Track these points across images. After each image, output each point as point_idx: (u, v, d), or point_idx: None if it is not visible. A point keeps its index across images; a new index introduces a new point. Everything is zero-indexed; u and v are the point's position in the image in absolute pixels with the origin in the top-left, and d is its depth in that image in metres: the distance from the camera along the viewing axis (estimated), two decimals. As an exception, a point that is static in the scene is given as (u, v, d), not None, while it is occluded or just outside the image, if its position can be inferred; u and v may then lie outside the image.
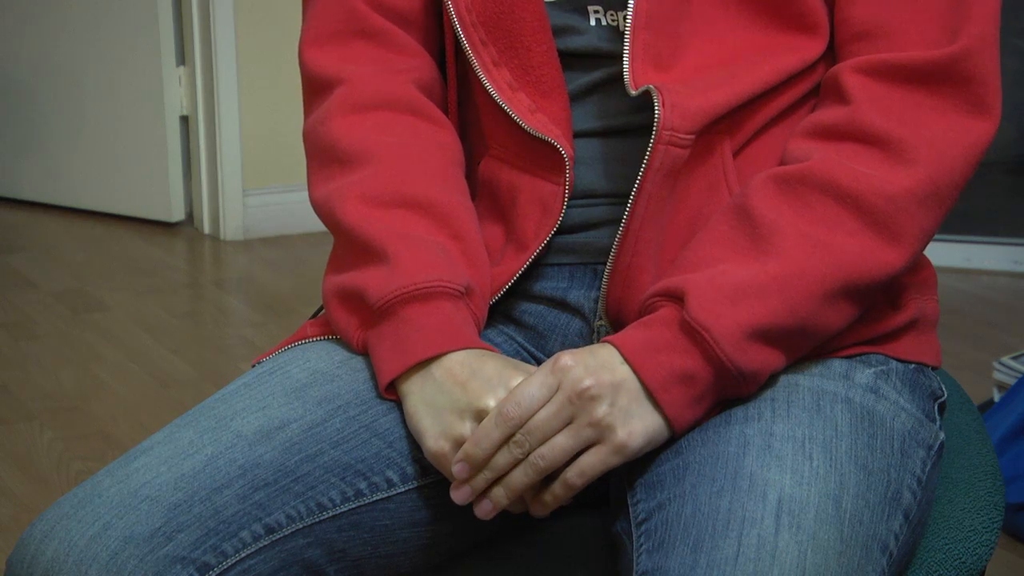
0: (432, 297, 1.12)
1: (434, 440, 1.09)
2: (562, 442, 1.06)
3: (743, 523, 0.99)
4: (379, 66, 1.23)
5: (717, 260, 1.10)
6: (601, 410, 1.06)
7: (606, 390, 1.06)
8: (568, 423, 1.06)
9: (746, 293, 1.07)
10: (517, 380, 1.08)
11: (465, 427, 1.08)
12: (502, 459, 1.07)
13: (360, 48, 1.24)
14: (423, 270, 1.13)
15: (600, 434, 1.07)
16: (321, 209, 1.20)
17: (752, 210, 1.11)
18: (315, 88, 1.25)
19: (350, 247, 1.17)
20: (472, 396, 1.08)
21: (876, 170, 1.11)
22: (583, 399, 1.06)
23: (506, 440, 1.06)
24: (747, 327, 1.07)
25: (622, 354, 1.07)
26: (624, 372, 1.07)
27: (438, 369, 1.10)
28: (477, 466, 1.07)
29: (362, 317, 1.15)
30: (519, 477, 1.07)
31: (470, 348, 1.11)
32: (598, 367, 1.07)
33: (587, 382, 1.06)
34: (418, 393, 1.11)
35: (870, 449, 1.08)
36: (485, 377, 1.09)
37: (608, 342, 1.09)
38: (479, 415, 1.08)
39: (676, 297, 1.09)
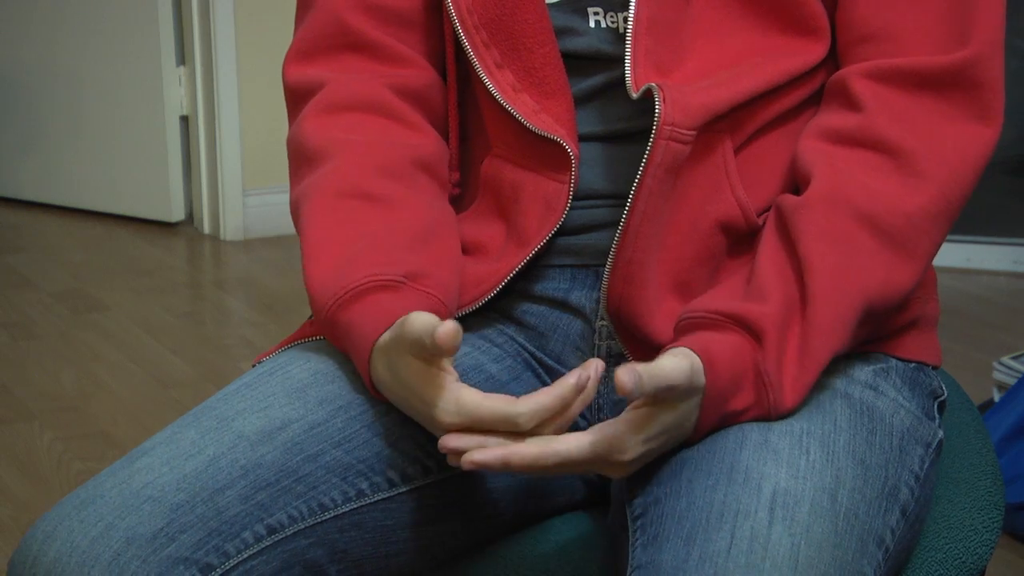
0: (364, 294, 1.11)
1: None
2: (580, 467, 1.05)
3: (736, 516, 0.99)
4: (360, 74, 1.23)
5: (779, 295, 1.09)
6: (631, 468, 1.06)
7: (645, 456, 1.05)
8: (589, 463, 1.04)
9: (801, 352, 1.08)
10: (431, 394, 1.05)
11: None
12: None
13: (345, 60, 1.24)
14: (351, 272, 1.12)
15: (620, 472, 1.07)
16: (292, 215, 1.21)
17: (794, 245, 1.11)
18: (296, 98, 1.26)
19: (302, 249, 1.18)
20: (427, 418, 1.07)
21: (889, 185, 1.11)
22: (615, 467, 1.04)
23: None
24: (805, 387, 1.08)
25: (703, 395, 1.05)
26: (678, 437, 1.06)
27: (380, 380, 1.09)
28: (476, 431, 1.04)
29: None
30: (519, 467, 1.03)
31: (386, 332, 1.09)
32: (654, 444, 1.04)
33: (628, 455, 1.03)
34: (395, 404, 1.11)
35: (868, 445, 1.09)
36: (404, 396, 1.07)
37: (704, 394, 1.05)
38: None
39: (751, 331, 1.08)
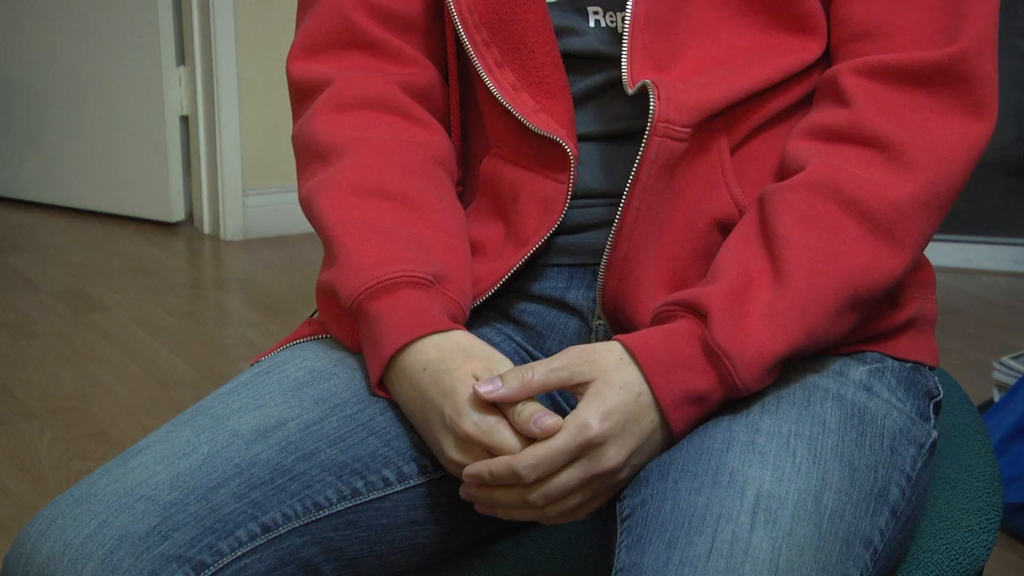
0: (396, 288, 1.12)
1: (443, 461, 1.10)
2: (577, 502, 1.07)
3: (719, 519, 0.99)
4: (367, 71, 1.24)
5: (734, 272, 1.10)
6: (621, 476, 1.07)
7: (631, 456, 1.06)
8: (585, 483, 1.06)
9: (767, 320, 1.07)
10: (464, 404, 1.07)
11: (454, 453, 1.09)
12: (507, 498, 1.07)
13: (350, 57, 1.24)
14: (384, 263, 1.12)
15: (612, 489, 1.08)
16: (303, 206, 1.21)
17: (769, 225, 1.11)
18: (302, 94, 1.26)
19: (325, 243, 1.18)
20: (444, 420, 1.08)
21: (877, 175, 1.11)
22: (608, 474, 1.06)
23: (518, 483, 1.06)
24: (769, 358, 1.07)
25: (640, 366, 1.06)
26: (650, 423, 1.07)
27: (400, 375, 1.11)
28: (485, 486, 1.07)
29: (347, 317, 1.15)
30: (527, 515, 1.08)
31: (434, 333, 1.11)
32: (624, 431, 1.06)
33: (613, 460, 1.05)
34: (403, 404, 1.12)
35: (858, 446, 1.08)
36: (440, 397, 1.09)
37: (632, 354, 1.07)
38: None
39: (697, 312, 1.09)
